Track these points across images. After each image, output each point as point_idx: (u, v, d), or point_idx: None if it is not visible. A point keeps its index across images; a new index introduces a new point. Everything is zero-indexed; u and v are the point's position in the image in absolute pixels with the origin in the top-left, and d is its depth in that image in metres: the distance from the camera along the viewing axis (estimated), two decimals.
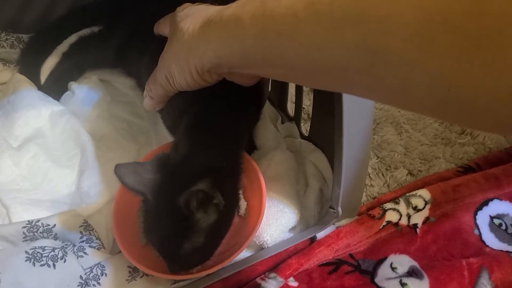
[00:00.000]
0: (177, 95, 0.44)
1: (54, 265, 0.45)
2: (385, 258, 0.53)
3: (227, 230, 0.44)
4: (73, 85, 0.62)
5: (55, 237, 0.48)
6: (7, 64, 0.64)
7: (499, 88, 0.19)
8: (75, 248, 0.47)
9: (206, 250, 0.43)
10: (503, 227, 0.55)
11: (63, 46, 0.65)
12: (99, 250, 0.49)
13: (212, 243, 0.43)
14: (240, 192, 0.46)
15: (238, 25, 0.30)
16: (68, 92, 0.62)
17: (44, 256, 0.45)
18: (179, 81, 0.40)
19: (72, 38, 0.65)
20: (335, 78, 0.27)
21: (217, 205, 0.41)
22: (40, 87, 0.62)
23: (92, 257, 0.47)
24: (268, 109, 0.64)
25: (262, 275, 0.51)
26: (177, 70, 0.39)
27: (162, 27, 0.47)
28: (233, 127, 0.46)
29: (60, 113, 0.58)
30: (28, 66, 0.63)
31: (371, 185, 0.62)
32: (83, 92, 0.62)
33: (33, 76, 0.63)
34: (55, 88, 0.63)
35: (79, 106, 0.61)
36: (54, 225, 0.48)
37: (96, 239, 0.49)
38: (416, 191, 0.59)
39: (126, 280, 0.47)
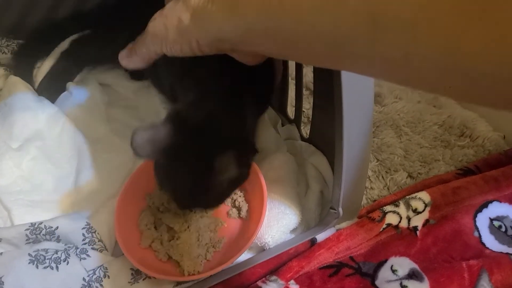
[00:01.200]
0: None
1: (57, 268, 0.45)
2: (385, 261, 0.53)
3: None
4: (71, 86, 0.62)
5: (58, 240, 0.48)
6: (8, 69, 0.65)
7: (507, 53, 0.18)
8: (78, 250, 0.48)
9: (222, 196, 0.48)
10: (503, 229, 0.56)
11: (63, 45, 0.65)
12: (101, 252, 0.49)
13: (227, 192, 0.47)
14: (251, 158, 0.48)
15: None
16: (65, 92, 0.63)
17: (47, 259, 0.45)
18: (172, 47, 0.38)
19: (72, 36, 0.66)
20: (335, 50, 0.27)
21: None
22: (35, 88, 0.62)
23: (95, 259, 0.48)
24: (268, 112, 0.65)
25: (263, 278, 0.51)
26: (174, 36, 0.37)
27: None
28: (251, 101, 0.46)
29: (56, 116, 0.59)
30: (23, 68, 0.64)
31: (371, 188, 0.62)
32: (81, 93, 0.62)
33: (28, 78, 0.63)
34: (52, 87, 0.63)
35: (76, 107, 0.61)
36: (57, 227, 0.48)
37: (98, 241, 0.49)
38: (416, 194, 0.59)
39: (129, 282, 0.47)
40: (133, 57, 0.43)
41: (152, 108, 0.64)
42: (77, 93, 0.62)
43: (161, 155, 0.41)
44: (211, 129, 0.42)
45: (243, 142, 0.44)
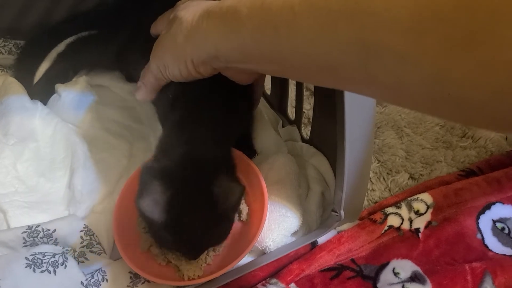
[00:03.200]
0: (170, 86, 0.44)
1: (54, 271, 0.45)
2: (387, 263, 0.53)
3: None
4: (59, 88, 0.62)
5: (55, 242, 0.48)
6: (5, 70, 0.64)
7: (493, 84, 0.18)
8: (76, 253, 0.47)
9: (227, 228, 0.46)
10: (506, 231, 0.55)
11: (59, 48, 0.65)
12: (99, 255, 0.48)
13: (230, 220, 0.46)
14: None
15: (236, 17, 0.30)
16: (54, 94, 0.63)
17: (45, 262, 0.45)
18: (171, 70, 0.39)
19: (70, 38, 0.65)
20: (331, 74, 0.27)
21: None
22: (30, 90, 0.62)
23: (93, 262, 0.47)
24: (268, 113, 0.64)
25: (263, 281, 0.51)
26: (172, 58, 0.38)
27: (160, 26, 0.46)
28: (223, 123, 0.46)
29: (49, 117, 0.58)
30: (23, 71, 0.63)
31: (372, 189, 0.62)
32: (70, 94, 0.62)
33: (27, 81, 0.62)
34: (47, 89, 0.63)
35: (66, 108, 0.61)
36: (55, 230, 0.48)
37: (96, 244, 0.49)
38: (417, 195, 0.58)
39: (127, 286, 0.47)
40: (144, 89, 0.44)
41: (149, 108, 0.63)
42: (66, 95, 0.62)
43: (164, 212, 0.41)
44: (190, 171, 0.42)
45: (227, 170, 0.44)
